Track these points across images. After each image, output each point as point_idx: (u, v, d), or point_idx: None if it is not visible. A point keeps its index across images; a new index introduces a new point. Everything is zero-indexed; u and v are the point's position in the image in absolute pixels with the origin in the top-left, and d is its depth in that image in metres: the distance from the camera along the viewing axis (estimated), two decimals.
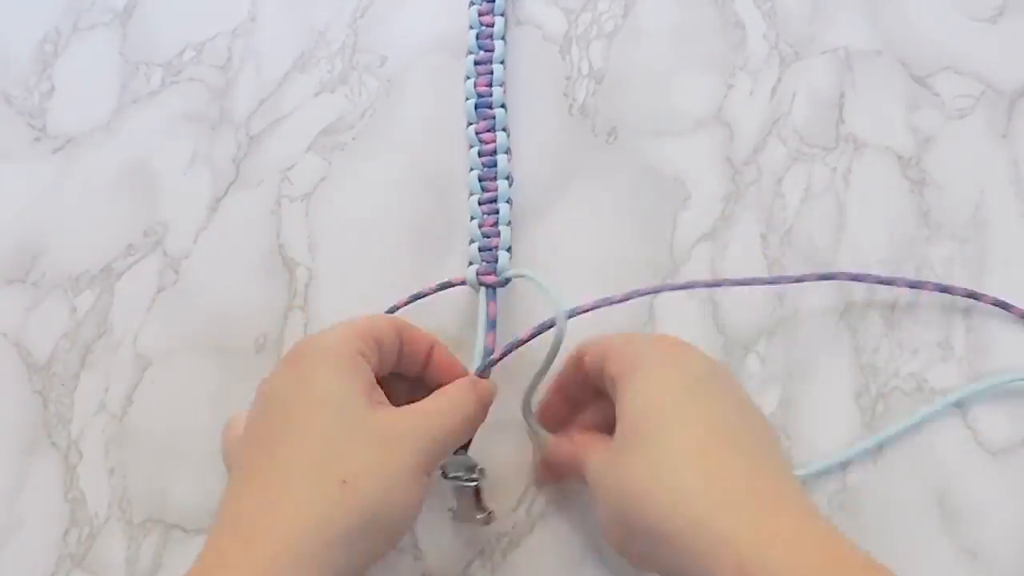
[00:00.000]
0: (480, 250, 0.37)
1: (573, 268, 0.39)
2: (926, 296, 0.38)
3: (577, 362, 0.33)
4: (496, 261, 0.37)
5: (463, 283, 0.37)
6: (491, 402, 0.34)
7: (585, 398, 0.35)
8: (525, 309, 0.38)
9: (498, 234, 0.38)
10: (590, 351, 0.32)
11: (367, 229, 0.40)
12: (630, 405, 0.29)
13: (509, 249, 0.38)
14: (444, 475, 0.36)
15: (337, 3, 0.43)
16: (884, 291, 0.38)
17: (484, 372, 0.35)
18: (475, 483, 0.36)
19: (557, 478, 0.36)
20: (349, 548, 0.28)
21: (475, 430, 0.33)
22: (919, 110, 0.40)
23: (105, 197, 0.41)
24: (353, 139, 0.41)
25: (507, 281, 0.37)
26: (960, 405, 0.37)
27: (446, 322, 0.38)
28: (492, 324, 0.36)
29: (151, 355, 0.39)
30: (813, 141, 0.40)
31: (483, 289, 0.36)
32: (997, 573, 0.36)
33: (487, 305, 0.36)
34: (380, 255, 0.39)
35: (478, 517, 0.36)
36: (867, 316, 0.38)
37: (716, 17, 0.42)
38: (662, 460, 0.27)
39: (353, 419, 0.29)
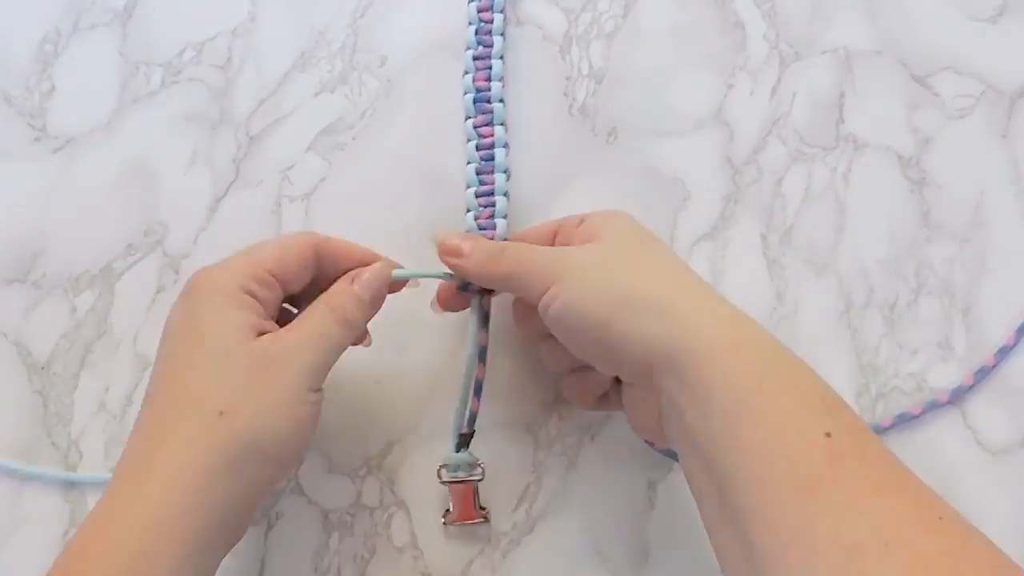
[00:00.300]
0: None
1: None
2: (925, 296, 0.38)
3: (551, 232, 0.36)
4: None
5: (450, 276, 0.36)
6: (379, 297, 0.34)
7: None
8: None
9: (494, 227, 0.37)
10: (566, 220, 0.36)
11: (367, 229, 0.39)
12: (620, 229, 0.33)
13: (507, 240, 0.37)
14: (441, 478, 0.36)
15: (337, 3, 0.42)
16: (884, 290, 0.38)
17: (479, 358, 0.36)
18: (478, 479, 0.36)
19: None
20: (235, 475, 0.28)
21: (360, 332, 0.33)
22: (919, 110, 0.40)
23: (105, 197, 0.41)
24: (353, 139, 0.41)
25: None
26: (958, 404, 0.37)
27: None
28: (485, 318, 0.36)
29: (151, 355, 0.35)
30: (813, 141, 0.40)
31: (477, 295, 0.36)
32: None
33: (479, 304, 0.36)
34: (379, 252, 0.38)
35: (476, 518, 0.36)
36: (867, 316, 0.39)
37: (716, 17, 0.41)
38: (662, 267, 0.32)
39: (231, 352, 0.30)
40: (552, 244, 0.35)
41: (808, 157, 0.40)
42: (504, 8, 0.41)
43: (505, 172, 0.39)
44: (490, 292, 0.36)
